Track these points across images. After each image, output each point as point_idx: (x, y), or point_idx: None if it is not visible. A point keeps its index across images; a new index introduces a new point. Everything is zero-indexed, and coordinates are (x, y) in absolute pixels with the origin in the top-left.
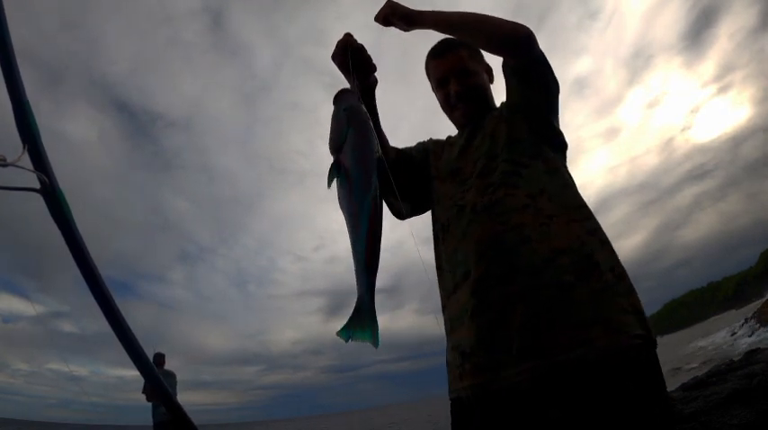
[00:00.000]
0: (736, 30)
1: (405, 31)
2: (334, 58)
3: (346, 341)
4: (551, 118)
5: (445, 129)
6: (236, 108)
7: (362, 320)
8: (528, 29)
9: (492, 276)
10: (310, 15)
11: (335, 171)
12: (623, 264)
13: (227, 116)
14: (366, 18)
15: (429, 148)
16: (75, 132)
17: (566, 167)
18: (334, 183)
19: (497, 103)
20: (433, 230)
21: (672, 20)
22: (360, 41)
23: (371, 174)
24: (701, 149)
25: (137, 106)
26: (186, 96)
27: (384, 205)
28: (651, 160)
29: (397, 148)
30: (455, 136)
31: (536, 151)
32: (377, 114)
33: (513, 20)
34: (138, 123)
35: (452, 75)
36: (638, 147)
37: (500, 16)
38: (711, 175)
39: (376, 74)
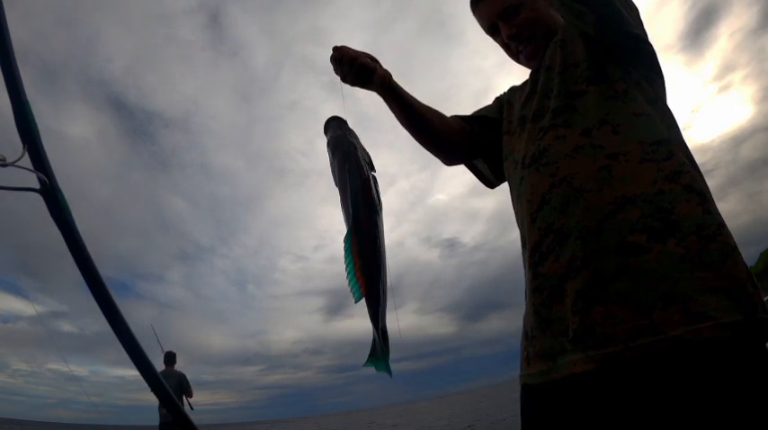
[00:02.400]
0: (736, 30)
1: None
2: (337, 74)
3: (376, 370)
4: (614, 19)
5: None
6: (235, 107)
7: (376, 354)
8: None
9: (543, 245)
10: (309, 14)
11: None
12: None
13: (226, 115)
14: (364, 17)
15: (504, 101)
16: (73, 132)
17: (644, 87)
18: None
19: None
20: None
21: (672, 19)
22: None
23: (348, 209)
24: (702, 149)
25: (135, 105)
26: (184, 95)
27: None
28: None
29: (461, 117)
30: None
31: (597, 73)
32: (407, 101)
33: None
34: (136, 122)
35: (498, 19)
36: None
37: None
38: (711, 175)
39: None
